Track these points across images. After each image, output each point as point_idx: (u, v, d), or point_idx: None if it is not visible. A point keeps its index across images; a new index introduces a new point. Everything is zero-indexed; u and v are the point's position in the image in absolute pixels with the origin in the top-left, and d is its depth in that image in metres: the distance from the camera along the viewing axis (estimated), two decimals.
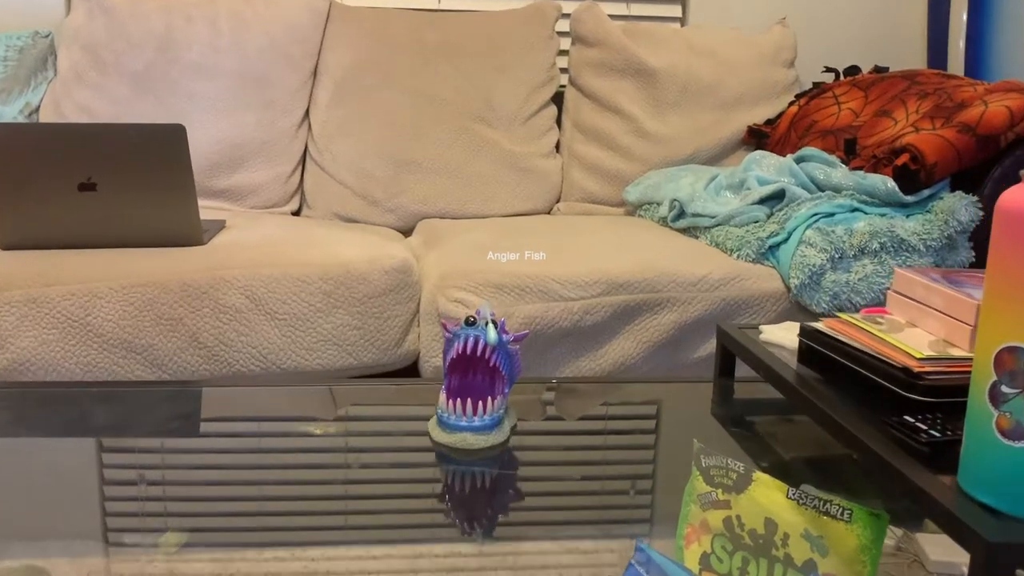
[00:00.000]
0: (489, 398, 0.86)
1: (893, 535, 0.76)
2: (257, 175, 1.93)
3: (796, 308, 1.42)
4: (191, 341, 1.32)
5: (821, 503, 0.64)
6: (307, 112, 2.00)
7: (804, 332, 0.90)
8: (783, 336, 0.97)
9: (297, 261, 1.36)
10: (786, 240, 1.43)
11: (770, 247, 1.44)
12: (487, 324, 0.85)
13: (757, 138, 2.04)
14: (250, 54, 1.93)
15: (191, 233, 1.42)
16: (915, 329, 0.84)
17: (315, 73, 2.01)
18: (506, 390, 0.89)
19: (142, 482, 0.81)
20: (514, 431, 0.92)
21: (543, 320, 1.35)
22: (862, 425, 0.75)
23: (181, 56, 1.90)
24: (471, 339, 0.84)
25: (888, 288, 1.41)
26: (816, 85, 2.05)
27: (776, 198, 1.53)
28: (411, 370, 1.44)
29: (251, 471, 0.84)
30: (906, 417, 0.73)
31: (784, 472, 0.89)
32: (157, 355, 1.32)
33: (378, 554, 0.70)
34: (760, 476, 0.66)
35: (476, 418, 0.85)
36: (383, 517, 0.76)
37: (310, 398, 1.06)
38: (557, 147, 2.09)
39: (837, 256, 1.39)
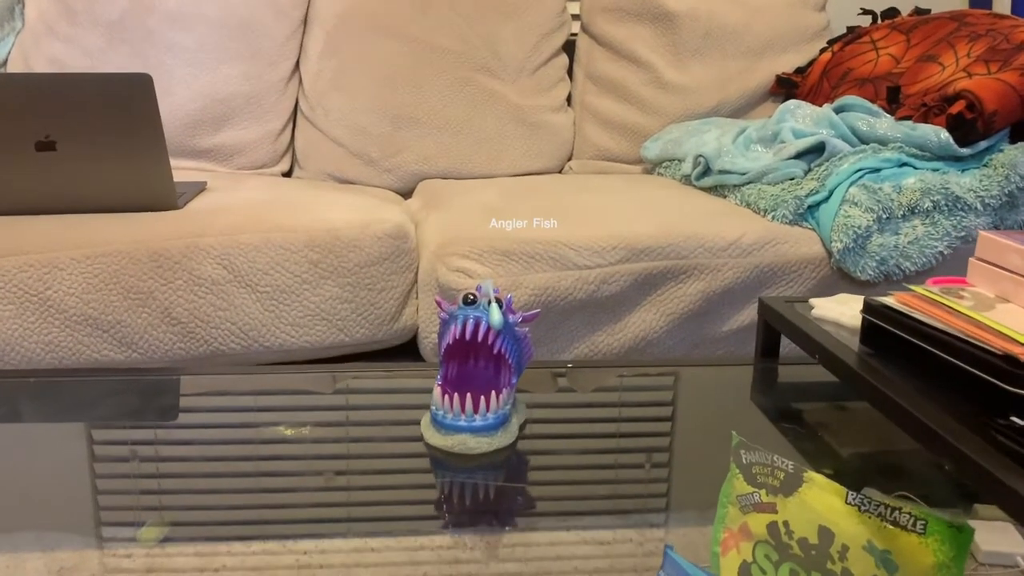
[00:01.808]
0: (493, 392, 0.72)
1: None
2: (243, 133, 1.79)
3: (838, 275, 1.27)
4: (163, 317, 1.18)
5: (888, 511, 0.54)
6: (297, 64, 1.85)
7: (870, 309, 0.75)
8: (839, 312, 0.83)
9: (280, 226, 1.22)
10: (827, 199, 1.28)
11: (809, 207, 1.29)
12: (490, 303, 0.70)
13: (786, 88, 1.87)
14: (234, 0, 1.77)
15: (163, 196, 1.28)
16: (1008, 305, 0.70)
17: (305, 21, 1.85)
18: (513, 381, 0.75)
19: (117, 473, 0.68)
20: (523, 430, 0.77)
21: (555, 291, 1.21)
22: (957, 428, 0.60)
23: (159, 3, 1.74)
24: (471, 321, 0.69)
25: (941, 251, 1.27)
26: (851, 29, 1.87)
27: (814, 152, 1.38)
28: (409, 347, 1.30)
29: (235, 462, 0.71)
30: (1015, 419, 0.58)
31: (841, 471, 0.76)
32: (126, 332, 1.18)
33: (376, 546, 0.63)
34: (813, 476, 0.58)
35: (477, 417, 0.71)
36: (382, 508, 0.64)
37: (293, 383, 0.92)
38: (568, 100, 1.93)
39: (885, 216, 1.24)
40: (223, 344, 1.21)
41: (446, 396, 0.71)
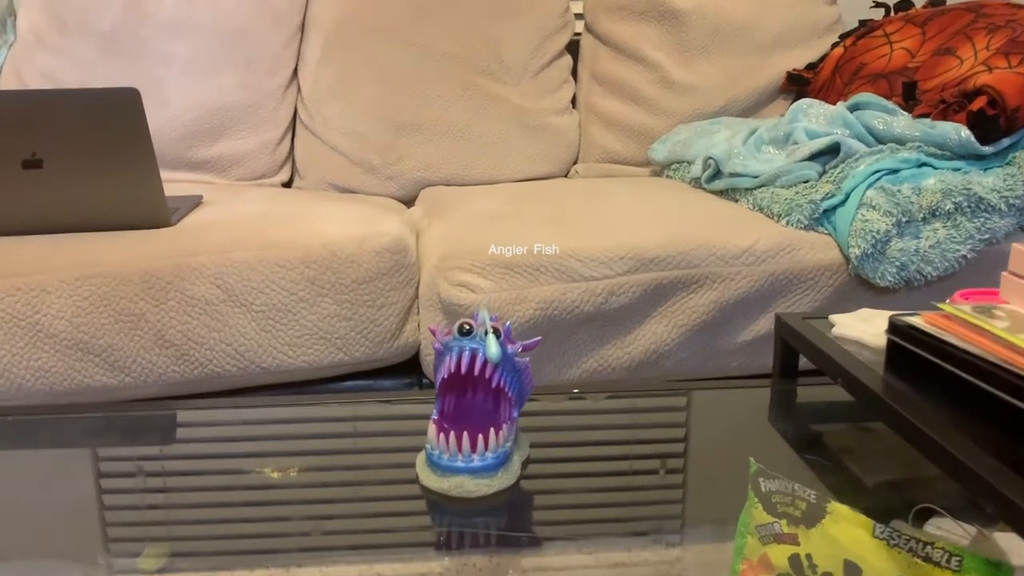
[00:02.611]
0: (492, 429, 0.67)
1: (967, 534, 0.62)
2: (241, 143, 1.74)
3: (856, 282, 1.22)
4: (156, 339, 1.14)
5: (919, 545, 0.51)
6: (295, 72, 1.80)
7: (895, 329, 0.70)
8: (861, 330, 0.78)
9: (275, 243, 1.17)
10: (843, 202, 1.23)
11: (825, 211, 1.24)
12: (486, 333, 0.65)
13: (797, 84, 1.82)
14: (228, 8, 1.73)
15: (155, 213, 1.24)
16: None
17: (303, 28, 1.81)
18: (514, 415, 0.70)
19: (116, 503, 0.64)
20: (526, 467, 0.73)
21: (561, 304, 1.16)
22: (991, 463, 0.55)
23: (151, 13, 1.70)
24: (466, 354, 0.65)
25: (964, 255, 1.21)
26: (863, 23, 1.82)
27: (829, 153, 1.32)
28: (411, 364, 1.25)
29: (233, 491, 0.67)
30: None
31: (867, 502, 0.71)
32: (118, 356, 1.14)
33: (384, 571, 0.60)
34: (837, 507, 0.55)
35: (475, 456, 0.66)
36: (385, 536, 0.60)
37: (288, 413, 0.88)
38: (573, 102, 1.88)
39: (904, 220, 1.19)
40: (218, 366, 1.17)
41: (441, 435, 0.67)
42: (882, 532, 0.53)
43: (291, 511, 0.67)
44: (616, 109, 1.82)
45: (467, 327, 0.66)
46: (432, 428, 0.68)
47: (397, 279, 1.20)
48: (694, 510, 0.69)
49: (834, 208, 1.24)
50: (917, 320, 0.69)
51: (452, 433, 0.66)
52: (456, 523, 0.65)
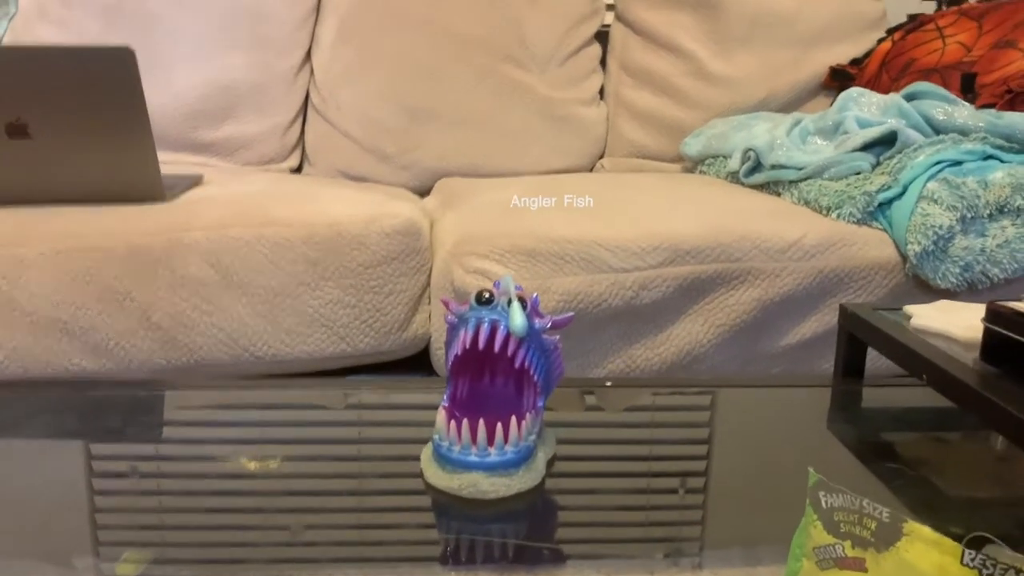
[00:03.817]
0: (513, 418, 0.56)
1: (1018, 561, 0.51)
2: (249, 126, 1.65)
3: (914, 283, 1.11)
4: (142, 321, 1.04)
5: None
6: (308, 54, 1.71)
7: (995, 316, 0.59)
8: (946, 321, 0.66)
9: (275, 221, 1.07)
10: (901, 195, 1.11)
11: (880, 204, 1.13)
12: (510, 303, 0.54)
13: (841, 80, 1.71)
14: None
15: (148, 186, 1.14)
16: None
17: (318, 8, 1.72)
18: (540, 403, 0.59)
19: (100, 504, 0.54)
20: (551, 467, 0.61)
21: (587, 297, 1.05)
22: None
23: None
24: (486, 326, 0.54)
25: None
26: (912, 17, 1.71)
27: (883, 144, 1.21)
28: (420, 359, 1.15)
29: (208, 481, 0.56)
30: None
31: (951, 522, 0.60)
32: (100, 338, 1.04)
33: None
34: (916, 528, 0.46)
35: (492, 450, 0.55)
36: (380, 547, 0.49)
37: (281, 397, 0.77)
38: (601, 93, 1.77)
39: (969, 216, 1.07)
40: (208, 353, 1.06)
41: (453, 422, 0.55)
42: (973, 559, 0.44)
43: (270, 518, 0.56)
44: (647, 101, 1.72)
45: (487, 295, 0.55)
46: (441, 415, 0.57)
47: (408, 264, 1.10)
48: (744, 527, 0.58)
49: (890, 201, 1.12)
50: (1021, 304, 0.58)
51: (465, 421, 0.55)
52: (467, 530, 0.53)
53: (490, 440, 0.55)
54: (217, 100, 1.62)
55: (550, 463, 0.61)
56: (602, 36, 1.79)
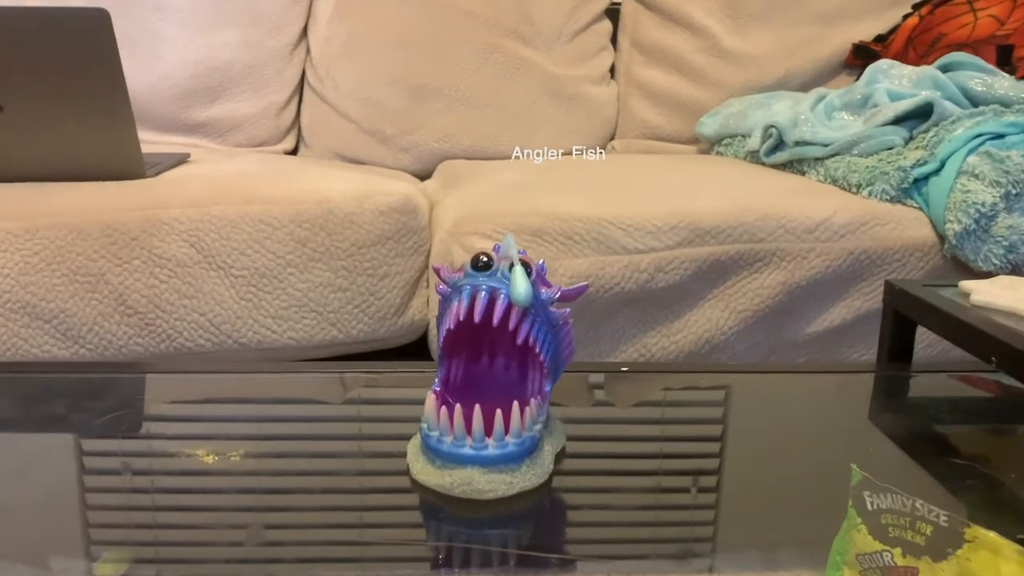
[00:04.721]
0: (516, 405, 0.47)
1: None
2: (242, 106, 1.57)
3: (953, 265, 1.02)
4: (117, 304, 0.96)
5: None
6: (304, 30, 1.63)
7: None
8: (1013, 298, 0.58)
9: (260, 197, 0.99)
10: (938, 171, 1.03)
11: (915, 180, 1.04)
12: (512, 267, 0.46)
13: (864, 58, 1.62)
14: None
15: (126, 161, 1.06)
16: None
17: None
18: (547, 388, 0.51)
19: (60, 491, 0.46)
20: (559, 462, 0.53)
21: (598, 280, 0.97)
22: None
23: None
24: (483, 295, 0.45)
25: None
26: None
27: (916, 118, 1.13)
28: (418, 347, 1.07)
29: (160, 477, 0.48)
30: None
31: (1020, 526, 0.52)
32: (72, 323, 0.96)
33: None
34: (980, 533, 0.40)
35: (491, 442, 0.47)
36: (362, 548, 0.41)
37: (257, 385, 0.69)
38: (612, 72, 1.69)
39: (1014, 192, 0.99)
40: (189, 339, 0.99)
41: (444, 409, 0.47)
42: None
43: (226, 517, 0.48)
44: (659, 80, 1.64)
45: (484, 259, 0.46)
46: (431, 400, 0.48)
47: (404, 245, 1.02)
48: (774, 530, 0.50)
49: (926, 177, 1.04)
50: None
51: (458, 408, 0.47)
52: (460, 535, 0.45)
53: (488, 430, 0.47)
54: (207, 79, 1.55)
55: (558, 457, 0.52)
56: (612, 12, 1.71)
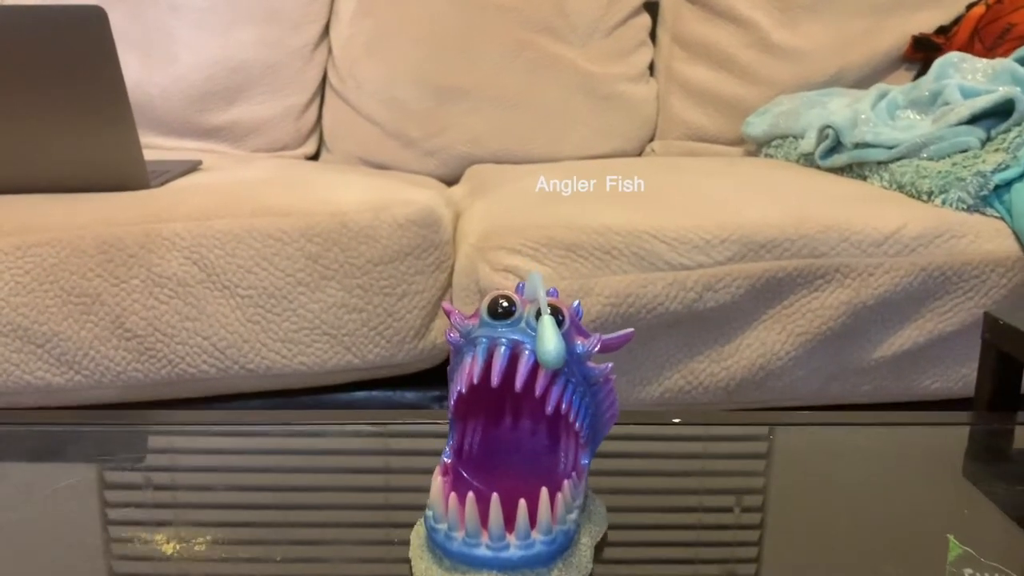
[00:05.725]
0: (545, 492, 0.37)
1: None
2: (260, 109, 1.50)
3: None
4: (114, 327, 0.89)
5: None
6: (326, 29, 1.55)
7: None
8: None
9: (268, 210, 0.91)
10: (1022, 176, 0.92)
11: (996, 187, 0.93)
12: (539, 316, 0.36)
13: (925, 51, 1.51)
14: None
15: (127, 170, 0.98)
16: None
17: None
18: (585, 461, 0.41)
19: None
20: (600, 554, 0.42)
21: (640, 299, 0.87)
22: None
23: None
24: (503, 352, 0.36)
25: None
26: None
27: (994, 116, 1.01)
28: (440, 373, 0.98)
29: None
30: None
31: None
32: (66, 347, 0.89)
33: None
34: None
35: (514, 541, 0.37)
36: None
37: (255, 442, 0.60)
38: (651, 69, 1.59)
39: None
40: (192, 365, 0.91)
41: (454, 496, 0.37)
42: None
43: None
44: (703, 77, 1.53)
45: (505, 304, 0.37)
46: (437, 483, 0.39)
47: (425, 261, 0.93)
48: None
49: (1009, 183, 0.93)
50: None
51: (471, 497, 0.37)
52: None
53: (509, 524, 0.37)
54: (224, 80, 1.47)
55: (598, 547, 0.42)
56: (651, 5, 1.61)
